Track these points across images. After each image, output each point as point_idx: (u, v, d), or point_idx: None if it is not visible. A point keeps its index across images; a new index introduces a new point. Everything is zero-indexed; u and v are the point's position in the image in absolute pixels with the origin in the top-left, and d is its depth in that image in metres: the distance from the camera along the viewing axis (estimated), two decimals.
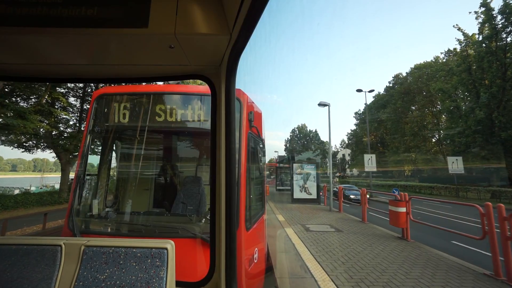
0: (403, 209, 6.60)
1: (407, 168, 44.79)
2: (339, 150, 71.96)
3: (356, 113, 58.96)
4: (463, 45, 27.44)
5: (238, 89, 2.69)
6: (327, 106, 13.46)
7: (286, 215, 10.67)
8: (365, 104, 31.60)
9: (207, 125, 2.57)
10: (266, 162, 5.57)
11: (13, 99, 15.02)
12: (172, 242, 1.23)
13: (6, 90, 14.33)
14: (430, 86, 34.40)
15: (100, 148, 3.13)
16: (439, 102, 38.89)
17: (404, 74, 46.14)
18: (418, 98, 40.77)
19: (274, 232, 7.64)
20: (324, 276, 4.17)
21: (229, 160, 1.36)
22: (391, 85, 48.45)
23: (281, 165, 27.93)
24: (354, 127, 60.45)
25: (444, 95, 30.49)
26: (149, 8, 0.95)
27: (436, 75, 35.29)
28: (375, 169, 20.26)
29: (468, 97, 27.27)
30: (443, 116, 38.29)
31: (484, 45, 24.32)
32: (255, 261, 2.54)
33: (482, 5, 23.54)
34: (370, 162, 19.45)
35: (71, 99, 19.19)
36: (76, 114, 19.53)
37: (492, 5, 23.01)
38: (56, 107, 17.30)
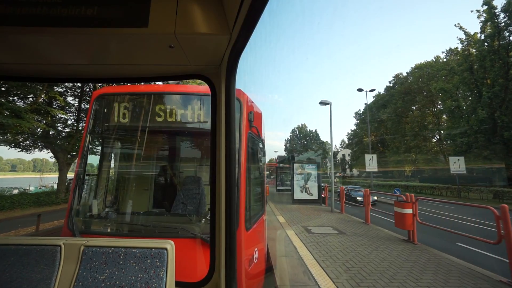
0: (409, 211, 6.34)
1: (408, 168, 44.61)
2: (339, 150, 71.79)
3: (356, 113, 58.89)
4: (464, 44, 27.20)
5: (238, 89, 2.67)
6: (329, 105, 13.20)
7: (287, 216, 10.41)
8: (365, 104, 31.36)
9: (207, 125, 2.57)
10: (266, 162, 5.48)
11: (10, 98, 14.79)
12: (172, 242, 1.22)
13: (2, 89, 14.10)
14: (431, 85, 34.21)
15: (99, 148, 3.12)
16: (439, 102, 38.77)
17: (405, 74, 46.00)
18: (419, 98, 40.58)
19: (275, 234, 7.38)
20: (329, 283, 3.91)
21: (229, 160, 1.35)
22: (391, 85, 48.28)
23: (281, 165, 27.62)
24: (354, 127, 60.43)
25: (445, 94, 30.30)
26: (149, 8, 0.95)
27: (437, 74, 35.11)
28: (376, 169, 20.02)
29: (470, 96, 27.02)
30: (444, 116, 38.12)
31: (486, 44, 24.10)
32: (255, 261, 2.53)
33: (484, 3, 23.31)
34: (371, 162, 19.21)
35: (69, 99, 19.01)
36: (74, 114, 19.32)
37: (494, 3, 22.76)
38: (54, 106, 17.07)
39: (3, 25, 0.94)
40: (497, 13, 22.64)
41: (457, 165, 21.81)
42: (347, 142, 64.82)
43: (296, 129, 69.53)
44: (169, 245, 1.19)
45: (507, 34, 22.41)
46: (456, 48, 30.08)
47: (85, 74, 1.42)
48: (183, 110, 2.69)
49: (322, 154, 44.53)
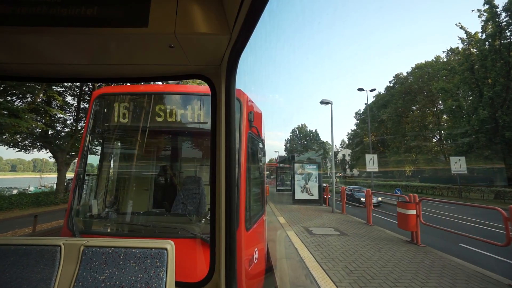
0: (413, 212, 6.21)
1: (408, 169, 44.47)
2: (339, 150, 71.65)
3: (356, 113, 58.76)
4: (465, 43, 27.08)
5: (238, 89, 2.66)
6: (330, 104, 13.07)
7: (287, 216, 10.28)
8: (366, 104, 31.28)
9: (207, 125, 2.57)
10: (266, 162, 5.45)
11: (8, 97, 14.67)
12: (172, 243, 1.21)
13: (0, 88, 13.98)
14: (432, 85, 34.08)
15: (99, 148, 3.11)
16: (440, 102, 38.64)
17: (405, 74, 45.86)
18: (419, 98, 40.45)
19: (276, 235, 7.25)
20: (332, 287, 3.78)
21: (229, 160, 1.35)
22: (391, 85, 48.16)
23: (282, 165, 27.48)
24: (354, 127, 60.29)
25: (446, 94, 30.17)
26: (149, 8, 0.94)
27: (437, 74, 34.99)
28: (376, 169, 19.88)
29: (471, 96, 26.89)
30: (445, 116, 38.00)
31: (487, 43, 23.97)
32: (255, 261, 2.53)
33: (486, 2, 23.17)
34: (371, 162, 19.08)
35: (68, 98, 18.89)
36: (73, 113, 19.20)
37: (495, 2, 22.63)
38: (53, 106, 16.95)
39: (3, 25, 0.94)
40: (499, 12, 22.51)
41: (458, 165, 21.68)
42: (347, 142, 64.71)
43: (296, 129, 69.46)
44: (169, 245, 1.18)
45: (508, 33, 22.29)
46: (457, 47, 29.91)
47: (85, 74, 1.42)
48: (183, 110, 2.68)
49: (323, 154, 44.39)
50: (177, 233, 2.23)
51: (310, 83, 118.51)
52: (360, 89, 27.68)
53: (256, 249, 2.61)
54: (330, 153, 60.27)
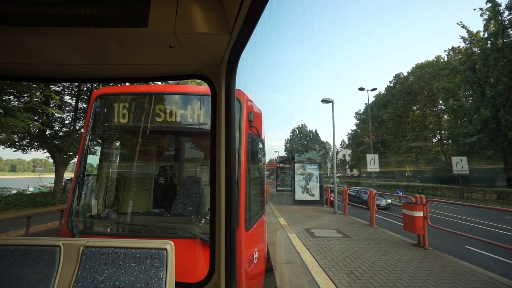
0: (420, 213, 5.96)
1: (409, 169, 44.24)
2: (339, 150, 71.39)
3: (356, 113, 58.54)
4: (467, 42, 26.86)
5: (238, 89, 2.65)
6: (331, 103, 12.83)
7: (288, 218, 10.03)
8: (366, 104, 31.05)
9: (207, 126, 2.57)
10: (266, 162, 5.37)
11: (6, 97, 14.44)
12: (172, 243, 1.20)
13: None
14: (433, 85, 33.86)
15: (99, 148, 3.11)
16: (441, 102, 38.44)
17: (405, 74, 45.64)
18: (420, 98, 40.23)
19: (276, 238, 7.00)
20: None
21: (229, 160, 1.35)
22: (391, 84, 47.94)
23: (282, 165, 27.22)
24: (354, 127, 60.06)
25: (447, 94, 29.95)
26: (149, 8, 0.94)
27: (438, 74, 34.77)
28: (377, 169, 19.68)
29: (473, 95, 26.64)
30: (445, 116, 37.79)
31: (489, 42, 23.75)
32: (255, 261, 2.52)
33: (488, 0, 22.95)
34: (372, 162, 18.88)
35: (66, 98, 18.67)
36: (71, 113, 18.98)
37: (498, 0, 22.40)
38: (51, 105, 16.73)
39: (2, 25, 0.93)
40: (501, 11, 22.28)
41: (459, 165, 21.45)
42: (347, 142, 64.51)
43: (296, 129, 69.25)
44: (169, 245, 1.18)
45: (511, 32, 22.06)
46: (459, 46, 29.69)
47: (85, 74, 1.41)
48: (183, 110, 2.67)
49: (324, 154, 44.17)
50: (177, 233, 2.22)
51: (310, 83, 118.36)
52: (361, 89, 27.45)
53: (256, 249, 2.60)
54: (330, 153, 60.32)
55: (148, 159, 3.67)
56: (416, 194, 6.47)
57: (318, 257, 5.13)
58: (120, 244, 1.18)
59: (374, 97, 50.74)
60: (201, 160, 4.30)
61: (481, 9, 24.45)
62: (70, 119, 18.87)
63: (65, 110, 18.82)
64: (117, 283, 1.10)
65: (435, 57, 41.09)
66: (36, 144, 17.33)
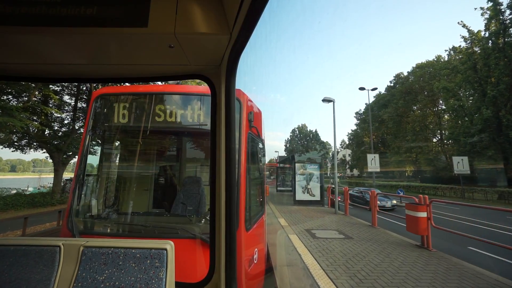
0: (423, 214, 5.85)
1: (409, 169, 44.12)
2: (339, 150, 71.30)
3: (356, 113, 58.44)
4: (468, 42, 26.73)
5: (238, 89, 2.65)
6: (332, 102, 12.71)
7: (288, 218, 9.92)
8: (366, 104, 30.96)
9: (207, 126, 2.57)
10: (266, 162, 5.37)
11: (4, 96, 14.33)
12: (172, 243, 1.20)
13: None
14: (433, 84, 33.75)
15: (99, 148, 3.10)
16: (441, 101, 38.34)
17: (406, 74, 45.53)
18: (420, 98, 40.12)
19: (277, 239, 6.88)
20: None
21: (229, 161, 1.35)
22: (392, 84, 47.85)
23: (282, 165, 27.09)
24: (354, 127, 59.95)
25: (448, 93, 29.84)
26: (149, 8, 0.94)
27: (439, 73, 34.66)
28: (378, 169, 19.58)
29: (474, 95, 26.51)
30: (446, 116, 37.69)
31: (490, 41, 23.63)
32: (255, 261, 2.52)
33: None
34: (373, 162, 18.78)
35: (66, 97, 18.56)
36: (70, 113, 18.88)
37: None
38: (50, 105, 16.62)
39: (2, 25, 0.94)
40: (503, 10, 22.16)
41: (460, 165, 21.34)
42: (347, 142, 64.39)
43: (296, 129, 69.15)
44: (169, 245, 1.17)
45: None
46: (460, 46, 29.56)
47: (85, 74, 1.41)
48: (183, 110, 2.67)
49: (324, 154, 44.09)
50: (177, 233, 2.22)
51: (310, 83, 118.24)
52: (362, 88, 27.34)
53: (256, 249, 2.59)
54: (330, 153, 60.27)
55: (148, 159, 3.64)
56: (420, 195, 6.35)
57: (320, 259, 5.02)
58: (120, 244, 1.17)
59: (374, 97, 50.70)
60: (201, 160, 4.29)
61: (482, 8, 24.35)
62: (70, 119, 18.77)
63: (64, 110, 18.71)
64: (117, 283, 1.09)
65: (436, 57, 41.03)
66: (35, 144, 17.21)
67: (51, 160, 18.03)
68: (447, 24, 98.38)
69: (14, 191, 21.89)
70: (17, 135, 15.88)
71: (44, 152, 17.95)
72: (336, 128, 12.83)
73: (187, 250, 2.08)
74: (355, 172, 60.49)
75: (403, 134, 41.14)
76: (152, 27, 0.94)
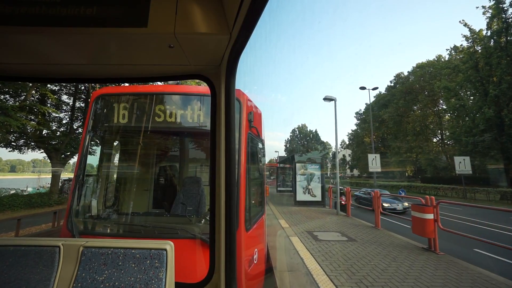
0: (430, 216, 5.63)
1: (409, 169, 43.94)
2: (340, 150, 71.10)
3: (357, 113, 58.27)
4: (470, 41, 26.51)
5: (238, 90, 2.65)
6: (333, 101, 12.50)
7: (289, 220, 9.70)
8: (366, 104, 30.79)
9: (207, 126, 2.56)
10: (266, 162, 5.36)
11: (1, 96, 14.12)
12: (172, 243, 1.19)
13: None
14: (434, 84, 33.57)
15: (99, 148, 3.09)
16: (441, 101, 38.18)
17: (406, 73, 45.36)
18: (421, 97, 39.95)
19: (277, 241, 6.66)
20: None
21: (229, 161, 1.35)
22: (392, 84, 47.68)
23: (282, 165, 26.85)
24: (354, 127, 59.77)
25: (449, 93, 29.64)
26: (149, 8, 0.94)
27: (439, 73, 34.48)
28: (379, 169, 19.36)
29: (476, 94, 26.30)
30: (447, 116, 37.52)
31: (492, 40, 23.43)
32: (255, 261, 2.51)
33: None
34: (374, 162, 18.55)
35: (64, 97, 18.37)
36: (68, 112, 18.68)
37: None
38: (48, 104, 16.42)
39: (2, 25, 0.94)
40: (505, 8, 21.96)
41: (462, 165, 21.16)
42: (347, 142, 64.22)
43: (296, 129, 68.99)
44: (169, 245, 1.17)
45: None
46: (461, 45, 29.35)
47: (85, 74, 1.41)
48: (183, 111, 2.67)
49: (325, 154, 43.96)
50: (177, 233, 2.21)
51: (310, 83, 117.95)
52: (362, 88, 27.18)
53: (256, 249, 2.58)
54: (330, 153, 60.10)
55: (148, 160, 3.63)
56: (426, 196, 6.13)
57: (323, 263, 4.80)
58: (119, 245, 1.17)
59: (374, 97, 50.54)
60: (201, 160, 4.29)
61: (483, 7, 24.15)
62: (68, 119, 18.56)
63: (63, 109, 18.52)
64: (116, 283, 1.09)
65: (436, 57, 40.86)
66: (32, 144, 17.00)
67: (49, 160, 17.82)
68: (448, 24, 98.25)
69: (13, 192, 21.68)
70: (14, 135, 15.67)
71: (41, 152, 17.75)
72: (337, 128, 12.61)
73: (187, 251, 2.08)
74: (355, 172, 60.35)
75: (403, 134, 40.96)
76: (152, 27, 0.93)
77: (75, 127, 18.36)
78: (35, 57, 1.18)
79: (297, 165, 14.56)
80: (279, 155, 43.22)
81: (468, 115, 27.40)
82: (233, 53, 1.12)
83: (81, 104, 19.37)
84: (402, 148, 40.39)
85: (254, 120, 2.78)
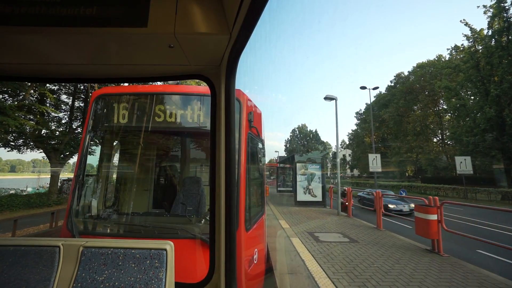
0: (434, 217, 5.52)
1: (409, 169, 43.86)
2: (340, 150, 70.93)
3: (357, 112, 58.18)
4: (471, 40, 26.38)
5: (238, 90, 2.65)
6: (334, 100, 12.39)
7: (290, 220, 9.59)
8: (367, 104, 30.69)
9: (207, 126, 2.56)
10: (266, 162, 5.34)
11: (0, 95, 14.02)
12: (171, 243, 1.19)
13: None
14: (435, 84, 33.46)
15: (99, 148, 3.10)
16: (442, 101, 38.09)
17: (406, 73, 45.26)
18: (421, 97, 39.84)
19: (278, 243, 6.55)
20: None
21: (229, 161, 1.35)
22: (392, 84, 47.57)
23: (282, 165, 26.73)
24: (354, 127, 59.68)
25: (450, 93, 29.51)
26: (148, 8, 0.94)
27: (440, 72, 34.37)
28: (380, 170, 19.22)
29: (477, 94, 26.17)
30: (448, 116, 37.43)
31: (494, 40, 23.30)
32: (255, 262, 2.50)
33: None
34: (375, 162, 18.43)
35: (63, 97, 18.26)
36: (67, 112, 18.57)
37: None
38: (48, 104, 16.31)
39: (2, 25, 0.93)
40: (507, 7, 21.83)
41: (463, 165, 21.04)
42: (347, 142, 64.12)
43: (296, 129, 68.88)
44: (169, 246, 1.16)
45: None
46: (462, 45, 29.23)
47: (85, 74, 1.41)
48: (183, 111, 2.67)
49: (327, 154, 43.87)
50: (177, 233, 2.21)
51: (310, 83, 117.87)
52: (363, 87, 27.01)
53: (256, 249, 2.58)
54: (330, 154, 59.97)
55: (148, 160, 3.60)
56: (429, 196, 6.02)
57: (325, 266, 4.70)
58: (119, 245, 1.16)
59: (374, 96, 50.43)
60: (201, 160, 4.28)
61: (485, 6, 24.02)
62: (67, 118, 18.46)
63: (62, 109, 18.41)
64: (116, 283, 1.08)
65: (436, 56, 40.74)
66: (31, 144, 16.88)
67: (48, 160, 17.70)
68: (448, 24, 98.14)
69: (13, 192, 21.56)
70: (13, 134, 15.55)
71: (40, 152, 17.64)
72: (338, 127, 12.49)
73: (187, 251, 2.07)
74: (355, 172, 60.26)
75: (403, 134, 40.87)
76: (151, 27, 0.93)
77: (74, 127, 18.26)
78: (35, 57, 1.17)
79: (298, 165, 14.47)
80: (279, 155, 43.16)
81: (469, 115, 27.27)
82: (233, 53, 1.11)
83: (80, 104, 19.27)
84: (402, 148, 40.31)
85: (254, 120, 2.77)
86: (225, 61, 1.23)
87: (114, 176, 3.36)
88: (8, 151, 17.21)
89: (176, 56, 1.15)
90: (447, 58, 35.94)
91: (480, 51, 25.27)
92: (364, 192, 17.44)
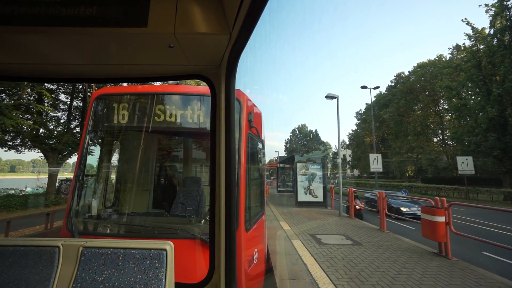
0: (442, 219, 5.32)
1: (410, 169, 43.68)
2: (340, 150, 70.72)
3: (357, 112, 58.02)
4: (472, 39, 26.17)
5: (238, 90, 2.64)
6: (335, 99, 12.18)
7: (291, 222, 9.39)
8: (367, 104, 30.50)
9: (207, 126, 2.57)
10: (266, 162, 5.21)
11: None
12: (171, 243, 1.19)
13: None
14: (436, 84, 33.27)
15: (99, 148, 3.10)
16: (442, 101, 37.92)
17: (407, 73, 45.08)
18: (422, 97, 39.66)
19: (279, 246, 6.33)
20: None
21: (229, 161, 1.36)
22: (393, 84, 47.40)
23: (282, 165, 26.49)
24: (354, 128, 59.48)
25: (451, 92, 29.32)
26: (148, 8, 0.94)
27: (441, 72, 34.18)
28: (381, 170, 19.07)
29: (480, 93, 25.95)
30: (449, 116, 37.25)
31: (496, 39, 23.09)
32: (255, 262, 2.49)
33: None
34: (375, 162, 18.27)
35: (61, 96, 18.08)
36: (65, 111, 18.38)
37: None
38: (46, 103, 16.11)
39: (2, 25, 0.94)
40: (509, 6, 21.63)
41: (465, 165, 20.86)
42: (347, 142, 63.94)
43: (296, 129, 68.68)
44: (169, 246, 1.16)
45: None
46: (463, 44, 29.01)
47: (85, 74, 1.41)
48: (183, 111, 2.67)
49: (328, 154, 43.71)
50: (177, 234, 2.21)
51: (310, 82, 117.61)
52: (364, 87, 26.89)
53: (256, 249, 2.57)
54: (330, 154, 59.73)
55: (148, 160, 3.58)
56: (436, 197, 5.82)
57: (329, 270, 4.51)
58: (119, 245, 1.16)
59: (375, 96, 50.26)
60: (201, 160, 4.28)
61: (486, 5, 23.82)
62: (65, 118, 18.27)
63: (60, 109, 18.22)
64: (116, 283, 1.08)
65: (437, 56, 40.55)
66: (29, 143, 16.68)
67: (46, 160, 17.50)
68: (449, 24, 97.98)
69: (12, 192, 21.35)
70: (10, 134, 15.35)
71: (38, 152, 17.44)
72: (339, 126, 12.29)
73: (186, 251, 2.07)
74: (355, 172, 60.02)
75: (404, 134, 40.70)
76: (151, 27, 0.93)
77: (72, 126, 18.06)
78: (35, 57, 1.17)
79: (298, 165, 14.27)
80: (279, 155, 42.92)
81: (470, 114, 27.06)
82: (233, 53, 1.11)
83: (79, 103, 19.08)
84: (402, 148, 40.14)
85: (254, 120, 2.77)
86: (225, 61, 1.23)
87: (114, 176, 3.35)
88: (5, 150, 17.00)
89: (176, 56, 1.15)
90: (447, 58, 35.78)
91: (482, 50, 25.05)
92: (372, 194, 16.95)
